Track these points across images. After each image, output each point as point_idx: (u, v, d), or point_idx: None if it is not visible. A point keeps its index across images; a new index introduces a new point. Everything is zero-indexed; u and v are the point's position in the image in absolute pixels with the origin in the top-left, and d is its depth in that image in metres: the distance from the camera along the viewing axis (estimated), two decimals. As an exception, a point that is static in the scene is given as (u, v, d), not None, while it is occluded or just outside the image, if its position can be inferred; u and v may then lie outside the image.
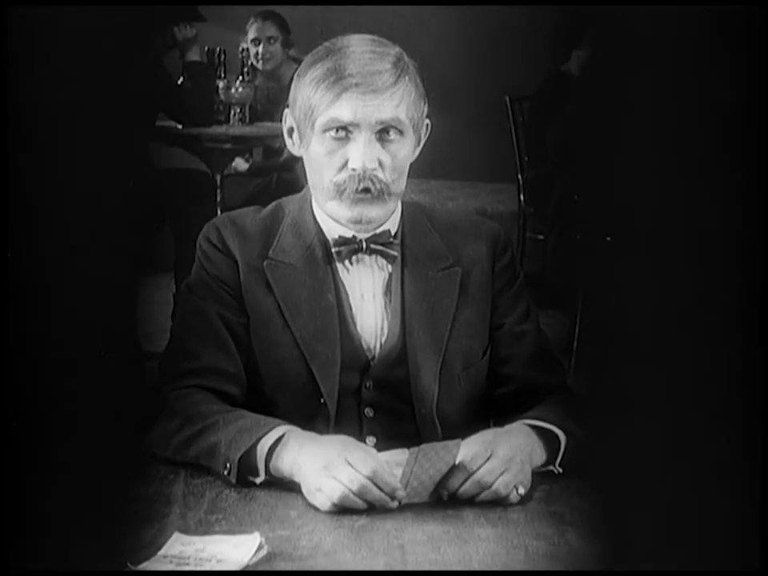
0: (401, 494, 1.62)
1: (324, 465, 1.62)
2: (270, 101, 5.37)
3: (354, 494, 1.60)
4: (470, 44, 6.96)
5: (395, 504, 1.62)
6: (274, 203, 2.00)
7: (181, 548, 1.49)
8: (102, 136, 1.75)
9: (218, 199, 4.76)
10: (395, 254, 1.91)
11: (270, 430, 1.70)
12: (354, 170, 1.82)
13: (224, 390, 1.85)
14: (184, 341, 1.90)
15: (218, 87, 5.02)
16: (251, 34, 5.38)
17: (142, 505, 1.65)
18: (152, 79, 4.48)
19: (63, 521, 1.47)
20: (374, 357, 1.91)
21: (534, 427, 1.77)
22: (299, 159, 1.94)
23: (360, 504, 1.60)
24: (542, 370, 1.96)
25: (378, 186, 1.83)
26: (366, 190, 1.83)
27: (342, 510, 1.60)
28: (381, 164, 1.83)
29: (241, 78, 5.09)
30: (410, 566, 1.48)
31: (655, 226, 1.42)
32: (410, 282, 1.92)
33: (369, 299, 1.92)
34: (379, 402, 1.90)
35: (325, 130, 1.83)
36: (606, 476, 1.50)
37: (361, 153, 1.81)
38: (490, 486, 1.65)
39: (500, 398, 1.97)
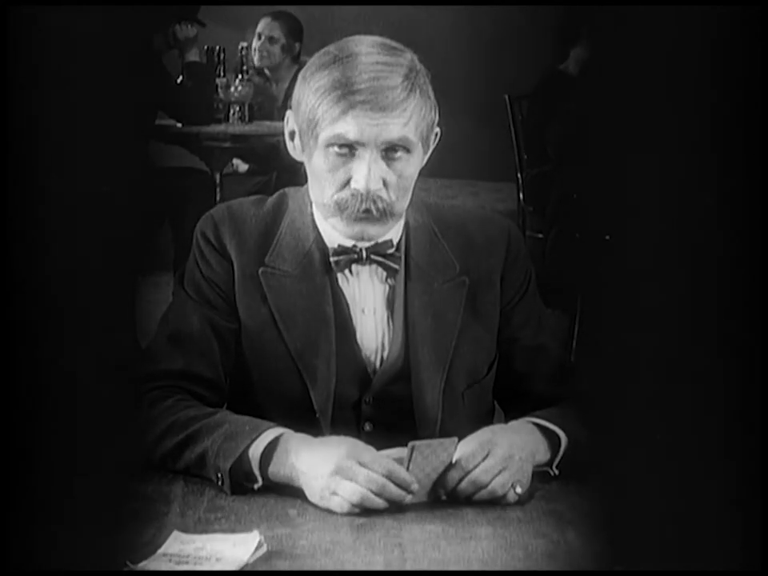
0: (415, 486, 1.61)
1: (335, 469, 1.60)
2: (268, 99, 5.38)
3: (373, 493, 1.59)
4: (469, 43, 6.97)
5: (410, 498, 1.62)
6: (278, 194, 1.93)
7: (180, 546, 1.49)
8: (102, 135, 1.75)
9: (218, 198, 4.76)
10: (396, 266, 1.85)
11: (259, 435, 1.68)
12: (356, 190, 1.76)
13: (199, 393, 1.82)
14: (164, 341, 1.86)
15: (217, 86, 5.03)
16: (258, 28, 5.39)
17: (141, 503, 1.65)
18: (152, 78, 4.48)
19: (63, 520, 1.47)
20: (374, 371, 1.86)
21: (538, 425, 1.76)
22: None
23: (380, 503, 1.60)
24: (559, 383, 1.91)
25: (381, 206, 1.76)
26: (368, 211, 1.76)
27: (363, 510, 1.60)
28: (385, 183, 1.76)
29: (240, 76, 5.10)
30: (410, 565, 1.48)
31: (655, 225, 1.42)
32: (413, 295, 1.86)
33: (369, 313, 1.86)
34: (379, 417, 1.86)
35: (328, 145, 1.75)
36: (605, 475, 1.50)
37: (365, 173, 1.74)
38: (487, 486, 1.64)
39: (512, 410, 1.93)
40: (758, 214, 1.41)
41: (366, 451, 1.64)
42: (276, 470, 1.68)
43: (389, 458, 1.63)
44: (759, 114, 1.41)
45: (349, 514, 1.60)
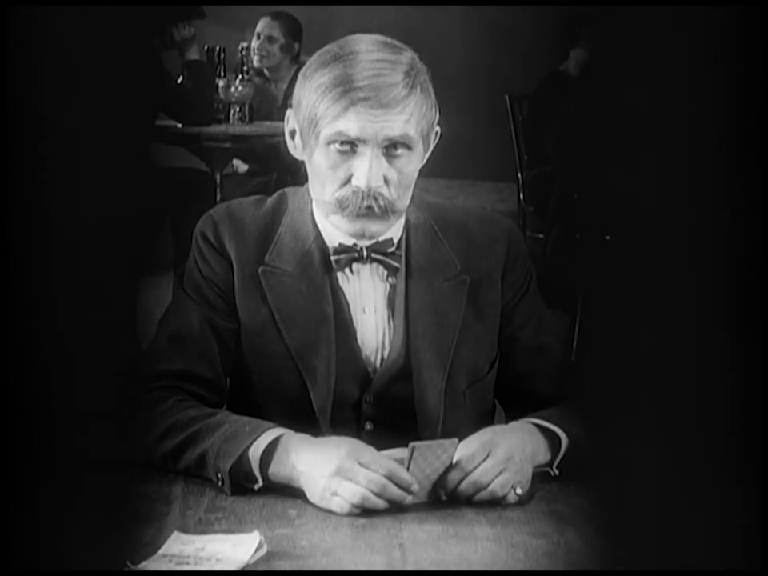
0: (416, 487, 1.61)
1: (335, 469, 1.60)
2: (268, 99, 5.38)
3: (374, 494, 1.59)
4: (469, 43, 6.97)
5: (411, 498, 1.62)
6: (277, 194, 1.93)
7: (180, 547, 1.49)
8: (102, 135, 1.75)
9: (218, 198, 4.77)
10: (397, 265, 1.85)
11: (259, 436, 1.68)
12: (358, 187, 1.76)
13: (199, 393, 1.82)
14: (164, 341, 1.86)
15: (217, 86, 5.03)
16: (257, 28, 5.40)
17: (141, 504, 1.65)
18: (152, 78, 4.48)
19: (63, 520, 1.47)
20: (374, 371, 1.86)
21: (538, 426, 1.76)
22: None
23: (381, 503, 1.60)
24: (560, 383, 1.90)
25: (382, 203, 1.76)
26: (369, 208, 1.77)
27: (363, 510, 1.60)
28: (386, 180, 1.76)
29: (240, 76, 5.10)
30: (410, 566, 1.48)
31: (655, 225, 1.42)
32: (414, 294, 1.86)
33: (370, 312, 1.86)
34: (379, 416, 1.86)
35: (329, 143, 1.76)
36: (605, 475, 1.50)
37: (366, 171, 1.74)
38: (487, 486, 1.64)
39: (513, 410, 1.93)
40: (758, 214, 1.41)
41: (367, 451, 1.64)
42: (276, 470, 1.68)
43: (389, 458, 1.63)
44: (759, 114, 1.41)
45: (349, 514, 1.60)
